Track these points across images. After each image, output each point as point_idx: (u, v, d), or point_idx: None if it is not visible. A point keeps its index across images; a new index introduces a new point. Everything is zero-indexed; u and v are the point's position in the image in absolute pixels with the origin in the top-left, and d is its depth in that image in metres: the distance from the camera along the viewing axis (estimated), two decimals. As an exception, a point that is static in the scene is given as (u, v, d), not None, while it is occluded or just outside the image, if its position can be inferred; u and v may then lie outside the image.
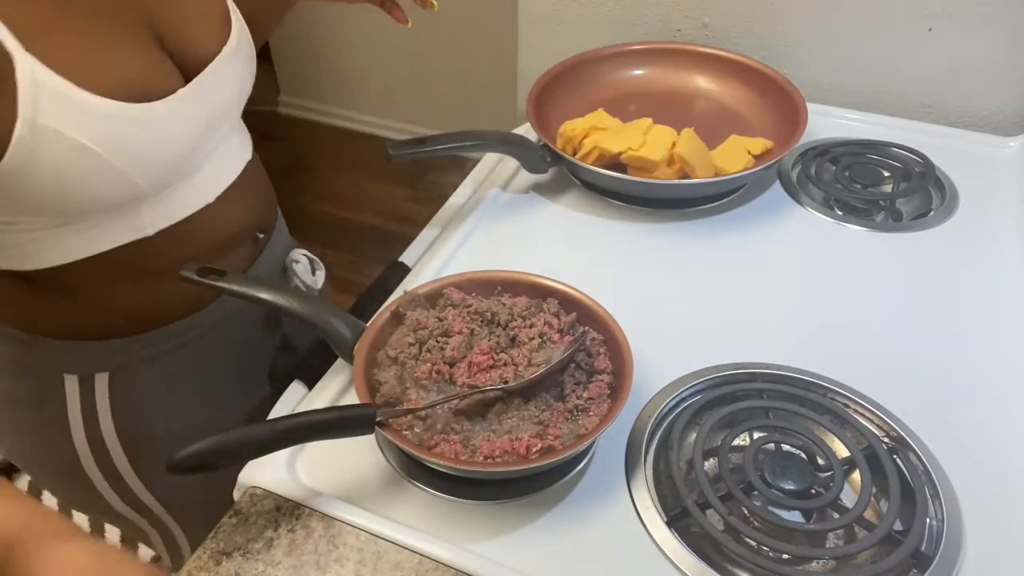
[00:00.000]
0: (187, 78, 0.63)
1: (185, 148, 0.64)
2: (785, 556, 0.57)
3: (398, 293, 0.77)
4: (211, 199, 0.68)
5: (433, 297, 0.70)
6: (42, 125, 0.53)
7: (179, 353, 0.73)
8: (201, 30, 0.65)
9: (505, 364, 0.63)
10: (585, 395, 0.62)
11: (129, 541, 1.32)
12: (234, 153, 0.73)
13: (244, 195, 0.73)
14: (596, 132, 0.94)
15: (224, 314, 0.75)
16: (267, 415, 0.67)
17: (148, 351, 0.71)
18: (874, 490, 0.60)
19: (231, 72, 0.67)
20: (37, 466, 0.79)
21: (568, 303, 0.69)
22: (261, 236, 0.78)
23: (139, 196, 0.61)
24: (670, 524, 0.59)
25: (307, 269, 0.83)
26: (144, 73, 0.59)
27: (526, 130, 0.98)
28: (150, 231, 0.64)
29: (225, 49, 0.66)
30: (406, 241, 0.87)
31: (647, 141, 0.90)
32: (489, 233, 0.88)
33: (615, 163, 0.90)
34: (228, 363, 0.79)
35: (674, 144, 0.90)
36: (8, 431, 0.76)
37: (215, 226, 0.70)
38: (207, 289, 0.65)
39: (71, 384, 0.70)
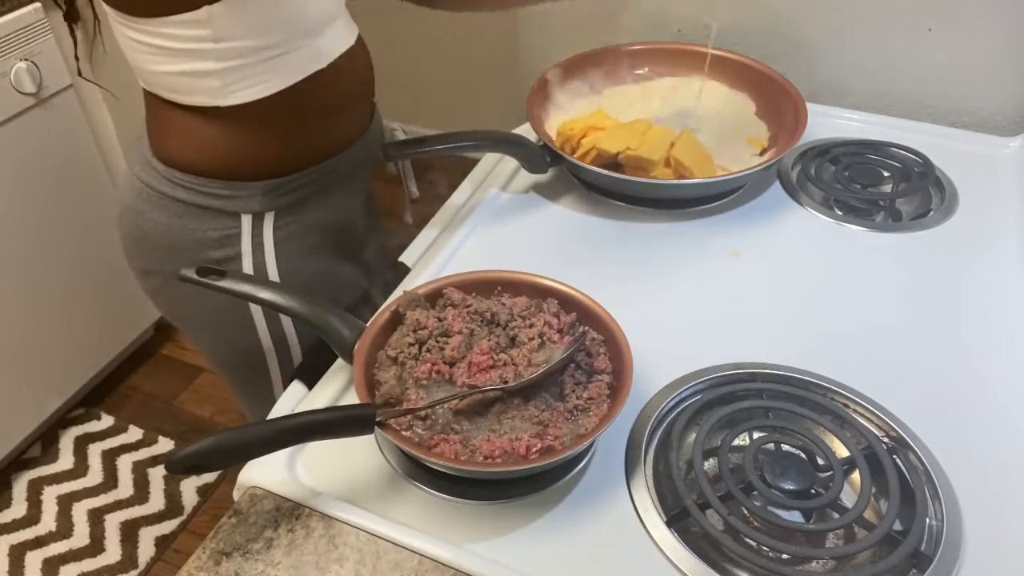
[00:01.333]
0: None
1: None
2: (785, 556, 0.57)
3: (398, 293, 0.77)
4: (353, 40, 0.81)
5: (433, 297, 0.70)
6: None
7: (336, 188, 0.85)
8: None
9: (505, 364, 0.63)
10: (585, 395, 0.62)
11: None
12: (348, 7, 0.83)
13: (365, 49, 0.87)
14: (594, 132, 0.94)
15: (367, 153, 0.88)
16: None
17: (308, 188, 0.82)
18: (874, 490, 0.60)
19: None
20: (207, 315, 0.86)
21: (568, 303, 0.69)
22: (373, 100, 0.90)
23: (339, 10, 0.76)
24: (670, 524, 0.59)
25: (402, 133, 0.97)
26: None
27: (526, 130, 0.98)
28: (324, 62, 0.75)
29: None
30: (406, 241, 0.87)
31: (645, 141, 0.90)
32: (489, 233, 0.88)
33: (613, 163, 0.90)
34: (355, 208, 0.92)
35: (672, 144, 0.90)
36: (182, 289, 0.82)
37: (358, 66, 0.83)
38: (207, 288, 0.66)
39: (246, 224, 0.80)
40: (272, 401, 0.72)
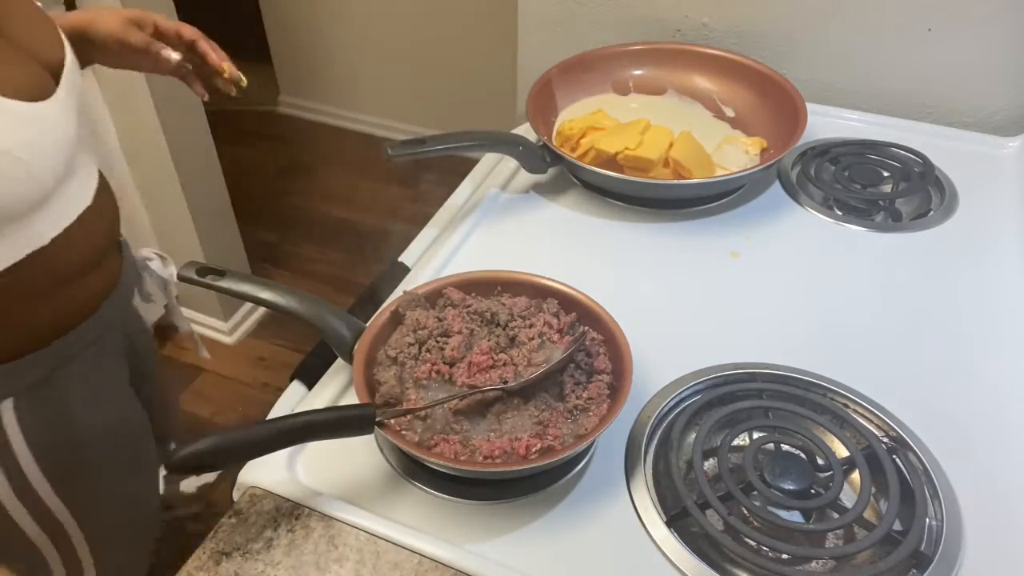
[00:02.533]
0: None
1: (72, 143, 0.66)
2: (785, 556, 0.57)
3: (398, 293, 0.77)
4: (89, 201, 0.70)
5: (433, 297, 0.70)
6: None
7: (84, 356, 0.74)
8: (44, 37, 0.68)
9: (505, 364, 0.63)
10: (585, 395, 0.62)
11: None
12: (92, 158, 0.75)
13: (108, 198, 0.77)
14: (593, 132, 0.94)
15: (117, 312, 0.78)
16: None
17: (49, 364, 0.71)
18: (873, 490, 0.60)
19: (79, 73, 0.71)
20: None
21: (568, 303, 0.69)
22: (122, 239, 0.81)
23: (46, 194, 0.63)
24: (669, 524, 0.59)
25: (160, 266, 0.88)
26: (31, 77, 0.63)
27: (526, 130, 0.98)
28: (46, 239, 0.65)
29: (67, 53, 0.69)
30: (406, 241, 0.87)
31: (644, 141, 0.90)
32: (489, 233, 0.88)
33: (613, 163, 0.90)
34: (117, 366, 0.81)
35: (671, 144, 0.90)
36: None
37: (95, 227, 0.72)
38: (207, 288, 0.65)
39: None
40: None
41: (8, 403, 0.69)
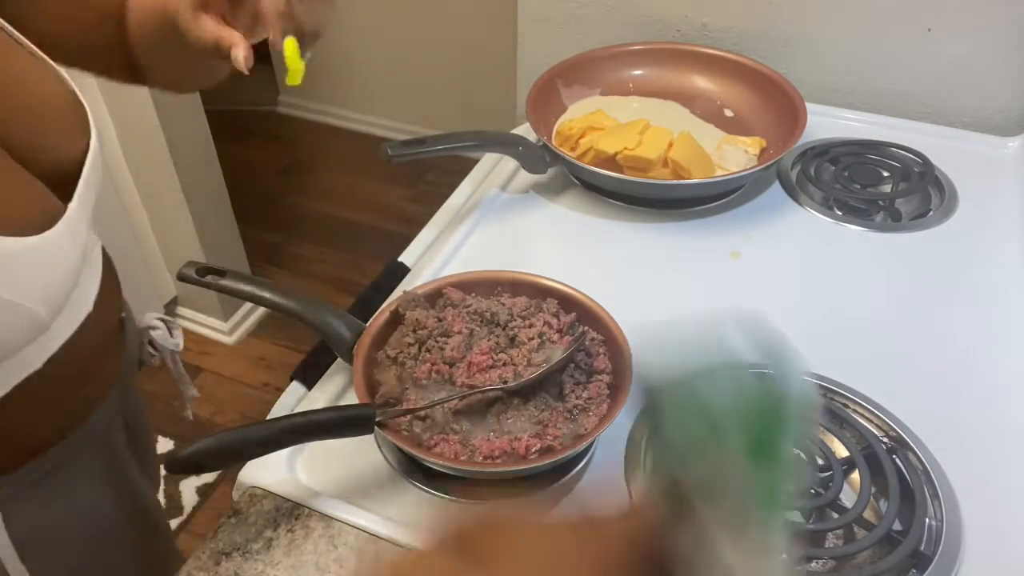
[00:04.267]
0: (54, 187, 0.56)
1: (77, 262, 0.57)
2: (784, 556, 0.57)
3: (398, 293, 0.77)
4: (90, 308, 0.61)
5: (432, 297, 0.70)
6: None
7: (72, 463, 0.66)
8: (62, 127, 0.58)
9: (504, 364, 0.63)
10: (584, 395, 0.62)
11: None
12: (94, 238, 0.65)
13: (110, 285, 0.67)
14: (593, 132, 0.94)
15: (110, 414, 0.70)
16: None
17: (40, 472, 0.63)
18: (873, 490, 0.60)
19: (100, 168, 0.60)
20: None
21: (567, 303, 0.69)
22: (124, 315, 0.72)
23: (41, 327, 0.55)
24: (669, 524, 0.58)
25: (166, 333, 0.77)
26: (31, 204, 0.53)
27: (526, 130, 0.98)
28: (38, 364, 0.56)
29: (92, 145, 0.58)
30: (406, 241, 0.87)
31: (643, 141, 0.90)
32: (488, 233, 0.88)
33: (612, 163, 0.90)
34: (118, 450, 0.74)
35: (670, 144, 0.90)
36: None
37: (95, 334, 0.63)
38: (207, 288, 0.64)
39: None
40: None
41: None
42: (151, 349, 0.77)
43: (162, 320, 0.77)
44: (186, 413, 0.87)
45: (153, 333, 0.76)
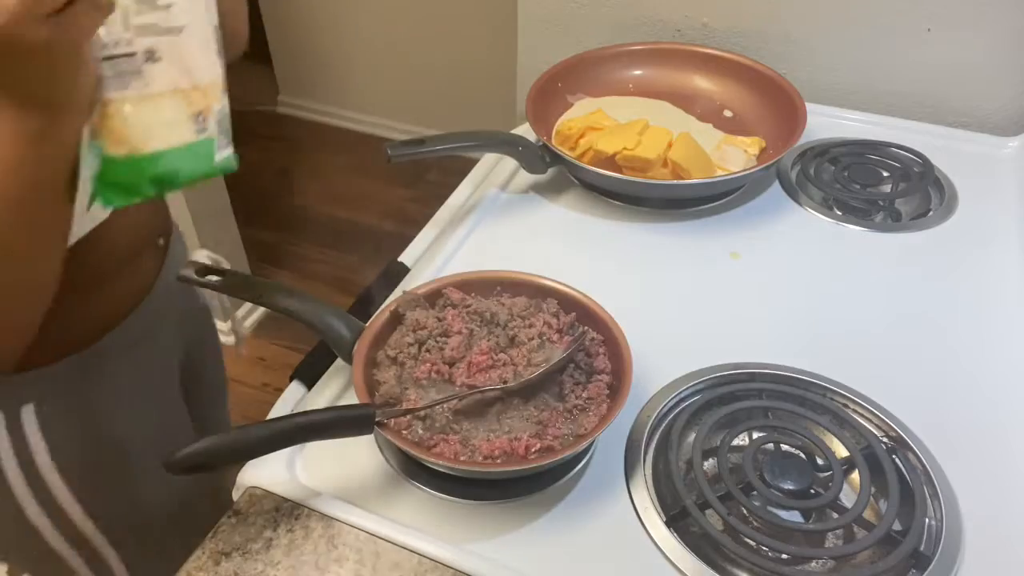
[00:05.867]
0: None
1: None
2: (784, 556, 0.57)
3: (398, 293, 0.77)
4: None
5: (432, 297, 0.70)
6: None
7: (117, 362, 0.71)
8: None
9: (504, 364, 0.63)
10: (584, 395, 0.62)
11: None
12: None
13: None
14: (592, 132, 0.94)
15: (148, 321, 0.73)
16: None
17: (72, 373, 0.68)
18: (873, 490, 0.60)
19: None
20: None
21: (567, 303, 0.69)
22: (162, 242, 0.77)
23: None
24: (669, 524, 0.59)
25: (207, 260, 0.82)
26: None
27: (526, 130, 0.98)
28: (69, 242, 0.58)
29: None
30: (406, 241, 0.87)
31: (642, 141, 0.90)
32: (488, 233, 0.88)
33: (611, 163, 0.90)
34: (160, 368, 0.78)
35: (670, 144, 0.90)
36: None
37: (124, 227, 0.68)
38: (207, 288, 0.65)
39: None
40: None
41: (29, 408, 0.67)
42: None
43: (210, 258, 0.83)
44: (241, 350, 0.96)
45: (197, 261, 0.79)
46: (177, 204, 1.73)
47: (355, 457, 0.64)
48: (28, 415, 0.66)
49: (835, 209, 0.92)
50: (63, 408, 0.68)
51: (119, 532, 0.77)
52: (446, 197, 0.94)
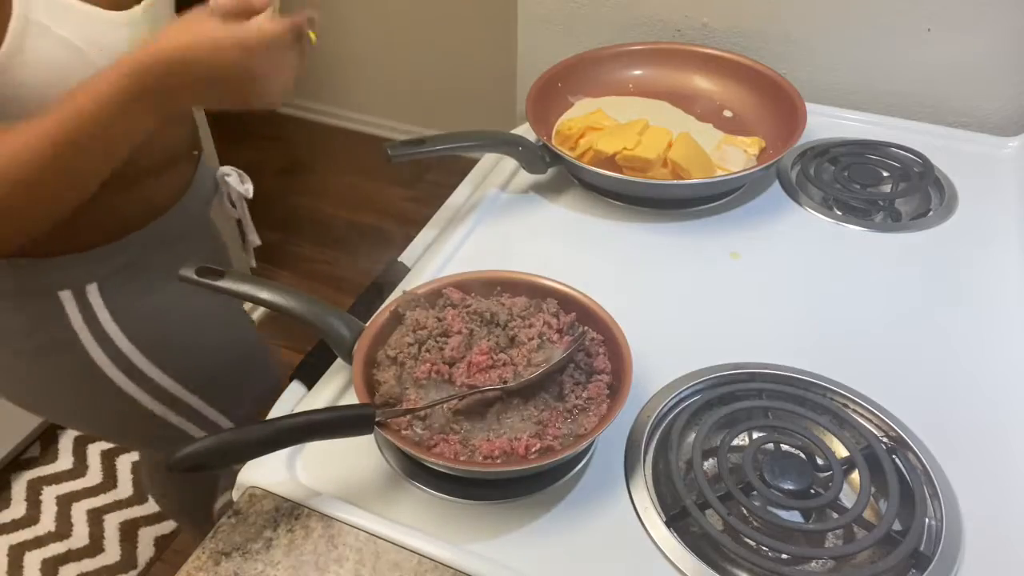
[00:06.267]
0: None
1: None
2: (784, 556, 0.57)
3: (397, 293, 0.77)
4: None
5: (432, 297, 0.70)
6: (34, 20, 0.60)
7: (165, 250, 0.81)
8: None
9: (504, 364, 0.63)
10: (584, 395, 0.62)
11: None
12: None
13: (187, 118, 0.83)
14: (592, 132, 0.94)
15: (183, 220, 0.84)
16: None
17: (131, 253, 0.79)
18: (873, 490, 0.60)
19: (169, 8, 0.75)
20: (60, 398, 0.84)
21: (567, 303, 0.69)
22: (196, 152, 0.87)
23: None
24: (669, 524, 0.59)
25: (237, 180, 0.93)
26: None
27: (526, 130, 0.98)
28: None
29: None
30: (406, 241, 0.87)
31: (642, 141, 0.90)
32: (488, 233, 0.88)
33: (611, 163, 0.90)
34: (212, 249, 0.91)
35: (670, 144, 0.90)
36: (17, 374, 0.83)
37: (167, 135, 0.78)
38: (207, 288, 0.65)
39: (68, 300, 0.76)
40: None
41: (94, 287, 0.77)
42: (228, 199, 0.94)
43: (235, 170, 0.94)
44: (251, 262, 1.04)
45: (227, 178, 0.93)
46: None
47: (355, 457, 0.64)
48: (93, 293, 0.77)
49: (835, 209, 0.92)
50: (120, 284, 0.79)
51: (198, 382, 0.88)
52: (446, 197, 0.94)
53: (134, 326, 0.80)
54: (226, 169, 0.94)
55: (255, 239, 1.00)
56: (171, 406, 0.86)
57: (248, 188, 0.94)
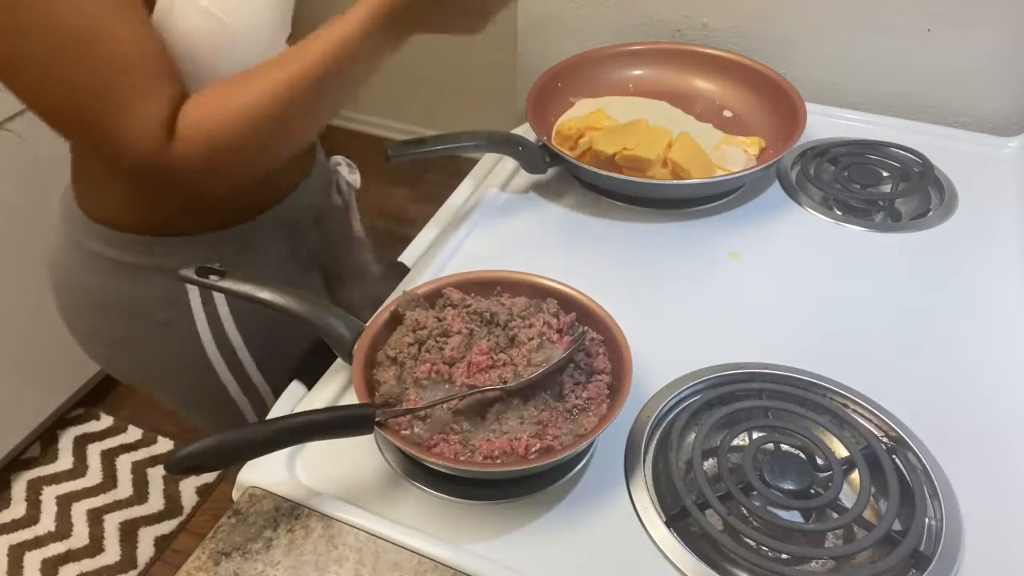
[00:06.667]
0: None
1: (276, 25, 0.72)
2: (784, 556, 0.57)
3: (398, 293, 0.77)
4: None
5: (432, 297, 0.70)
6: None
7: (277, 236, 0.84)
8: None
9: (504, 364, 0.63)
10: (584, 395, 0.62)
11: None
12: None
13: None
14: (592, 131, 0.94)
15: (297, 209, 0.86)
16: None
17: (242, 241, 0.80)
18: (873, 490, 0.60)
19: None
20: (153, 363, 0.86)
21: (567, 303, 0.69)
22: (317, 142, 0.91)
23: (245, 62, 0.67)
24: (669, 524, 0.59)
25: (347, 170, 0.97)
26: None
27: (526, 130, 0.98)
28: None
29: None
30: (406, 241, 0.87)
31: (642, 141, 0.90)
32: (488, 233, 0.88)
33: (610, 163, 0.90)
34: (304, 255, 0.91)
35: (669, 144, 0.90)
36: (130, 341, 0.83)
37: None
38: (207, 288, 0.66)
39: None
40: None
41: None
42: (337, 188, 0.96)
43: (345, 160, 0.97)
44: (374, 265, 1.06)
45: (339, 168, 0.95)
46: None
47: (355, 457, 0.64)
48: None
49: (835, 209, 0.92)
50: (237, 268, 0.78)
51: (275, 375, 0.88)
52: (446, 197, 0.94)
53: (242, 312, 0.82)
54: (337, 158, 0.96)
55: (359, 228, 1.03)
56: (247, 393, 0.88)
57: (356, 178, 0.97)
